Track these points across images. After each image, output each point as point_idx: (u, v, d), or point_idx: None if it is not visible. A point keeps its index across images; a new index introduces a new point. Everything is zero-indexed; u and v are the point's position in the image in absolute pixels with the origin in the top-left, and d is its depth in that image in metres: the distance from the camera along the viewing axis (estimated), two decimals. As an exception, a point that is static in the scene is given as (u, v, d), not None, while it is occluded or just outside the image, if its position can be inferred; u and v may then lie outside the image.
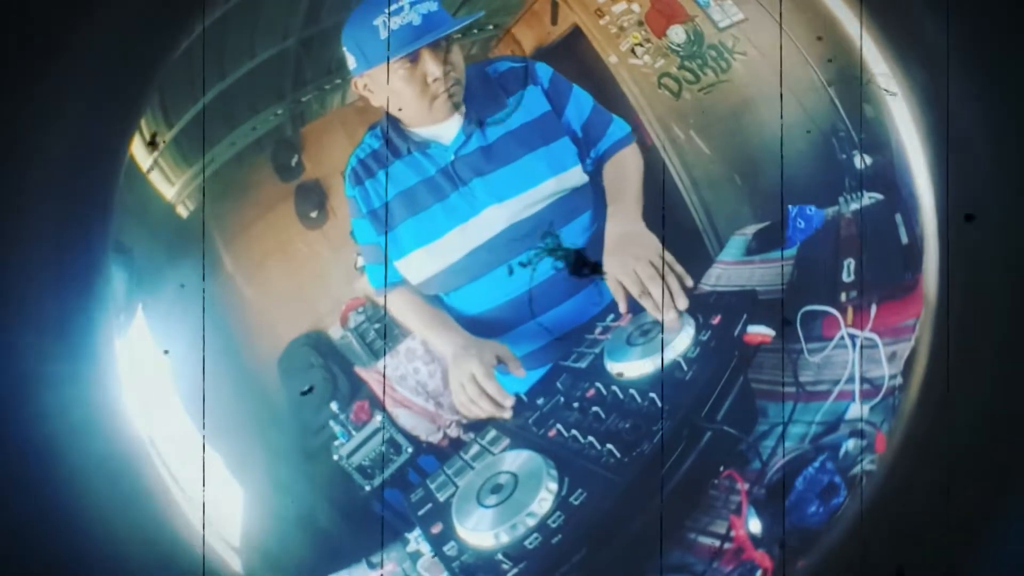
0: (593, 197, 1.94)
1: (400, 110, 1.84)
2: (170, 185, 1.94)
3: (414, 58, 1.75)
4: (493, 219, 1.85)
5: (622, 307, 1.74)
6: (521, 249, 1.87)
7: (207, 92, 1.95)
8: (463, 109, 1.84)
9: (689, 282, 1.72)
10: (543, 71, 1.91)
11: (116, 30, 1.68)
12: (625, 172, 1.91)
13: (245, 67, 2.00)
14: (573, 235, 1.90)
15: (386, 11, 1.73)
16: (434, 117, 1.83)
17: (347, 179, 1.91)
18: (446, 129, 1.85)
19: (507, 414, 1.76)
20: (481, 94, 1.86)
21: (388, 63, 1.76)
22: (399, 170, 1.87)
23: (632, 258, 1.71)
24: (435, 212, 1.86)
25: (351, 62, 1.80)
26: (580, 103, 1.92)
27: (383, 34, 1.73)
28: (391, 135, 1.87)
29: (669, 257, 1.72)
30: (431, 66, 1.76)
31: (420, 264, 1.88)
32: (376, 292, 1.98)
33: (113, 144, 1.79)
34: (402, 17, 1.73)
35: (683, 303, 1.69)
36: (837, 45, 1.95)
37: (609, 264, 1.74)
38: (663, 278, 1.69)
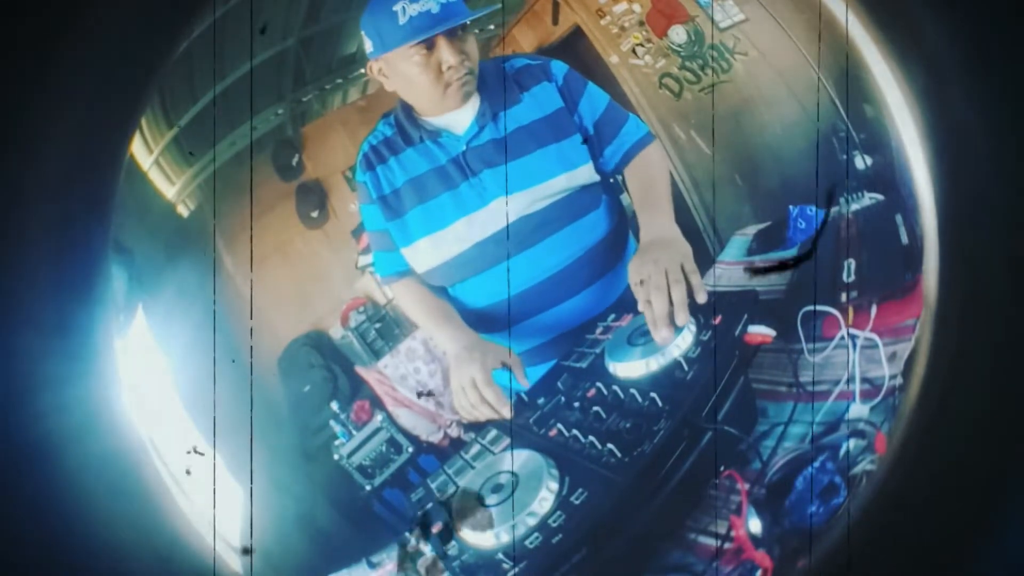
0: (606, 197, 1.94)
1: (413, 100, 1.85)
2: (170, 185, 1.94)
3: (430, 45, 1.76)
4: (501, 211, 1.85)
5: (641, 306, 1.66)
6: (528, 243, 1.87)
7: (206, 93, 1.95)
8: (477, 100, 1.85)
9: (702, 298, 1.63)
10: (558, 68, 1.91)
11: (116, 30, 1.68)
12: (650, 175, 1.90)
13: (245, 67, 2.00)
14: (581, 233, 1.90)
15: None
16: (446, 105, 1.83)
17: (359, 165, 1.91)
18: (459, 118, 1.85)
19: (506, 417, 1.75)
20: (496, 87, 1.87)
21: (403, 46, 1.75)
22: (410, 157, 1.88)
23: (652, 262, 1.65)
24: (444, 201, 1.86)
25: (368, 46, 1.81)
26: (594, 101, 1.91)
27: (402, 19, 1.73)
28: (404, 122, 1.87)
29: (690, 267, 1.64)
30: (447, 54, 1.76)
31: (426, 253, 1.89)
32: (382, 280, 1.98)
33: (113, 144, 1.79)
34: (421, 4, 1.73)
35: (683, 318, 1.61)
36: (837, 44, 1.96)
37: (632, 266, 1.70)
38: (670, 290, 1.62)
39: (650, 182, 1.88)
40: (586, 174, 1.88)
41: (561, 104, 1.89)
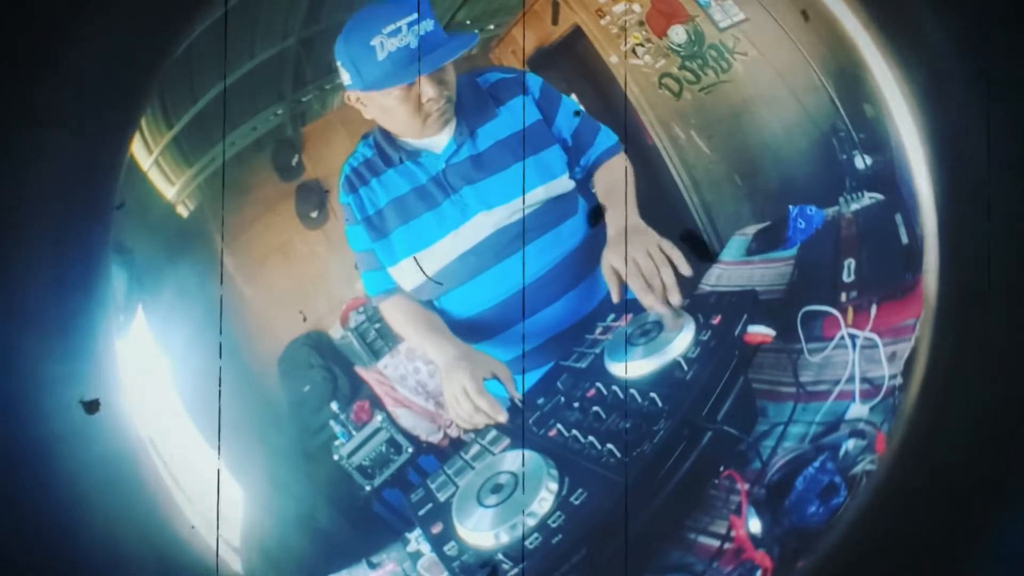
0: (584, 203, 1.95)
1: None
2: (170, 185, 1.94)
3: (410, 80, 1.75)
4: (481, 225, 1.86)
5: (615, 297, 1.72)
6: (507, 253, 1.88)
7: (206, 93, 1.95)
8: (454, 119, 1.85)
9: (686, 270, 1.68)
10: (533, 81, 1.92)
11: (116, 30, 1.68)
12: (616, 177, 1.91)
13: (245, 67, 2.00)
14: (560, 240, 1.91)
15: (383, 32, 1.70)
16: (425, 132, 1.84)
17: (341, 187, 1.91)
18: (437, 138, 1.86)
19: (502, 420, 1.75)
20: (471, 104, 1.87)
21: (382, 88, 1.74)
22: (391, 178, 1.88)
23: (631, 246, 1.70)
24: (427, 220, 1.87)
25: (345, 77, 1.79)
26: (570, 112, 1.92)
27: (380, 55, 1.70)
28: (383, 144, 1.87)
29: (667, 245, 1.69)
30: (426, 87, 1.75)
31: (412, 271, 1.89)
32: (372, 299, 1.98)
33: (113, 144, 1.79)
34: (399, 39, 1.70)
35: (676, 298, 1.67)
36: (837, 44, 1.96)
37: (607, 255, 1.73)
38: (659, 272, 1.67)
39: (616, 183, 1.89)
40: (563, 184, 1.90)
41: (539, 117, 1.89)
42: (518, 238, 1.87)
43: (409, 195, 1.87)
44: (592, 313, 1.93)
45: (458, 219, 1.86)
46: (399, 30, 1.70)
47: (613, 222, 1.81)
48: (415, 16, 1.71)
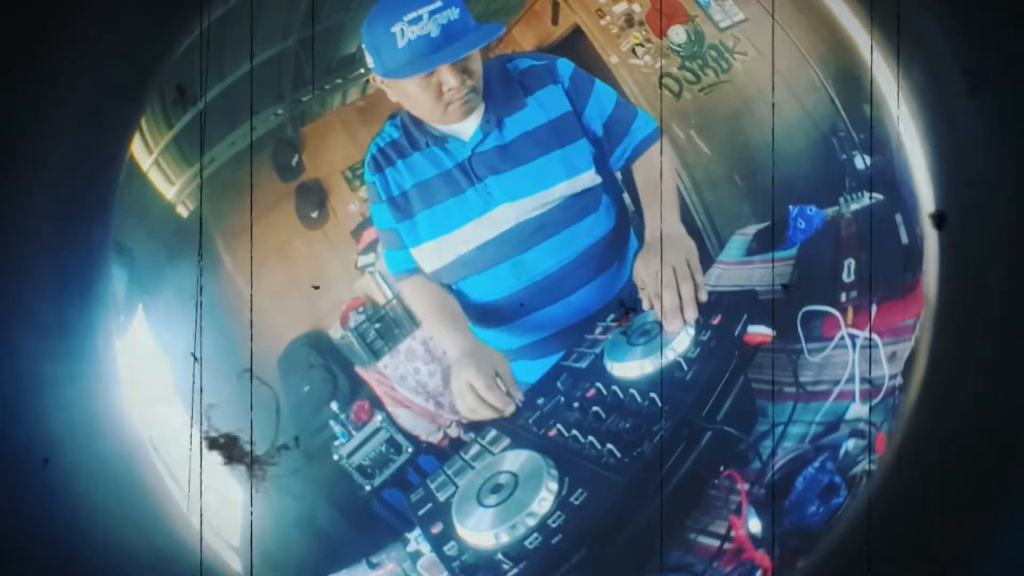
0: (606, 198, 1.94)
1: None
2: (170, 185, 1.94)
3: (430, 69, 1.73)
4: (504, 216, 1.86)
5: (645, 304, 1.71)
6: (528, 245, 1.87)
7: (207, 92, 1.95)
8: (482, 106, 1.84)
9: (703, 296, 1.68)
10: (564, 68, 1.89)
11: (116, 29, 1.68)
12: (656, 172, 1.89)
13: (245, 67, 2.00)
14: (579, 235, 1.91)
15: (404, 19, 1.67)
16: (447, 120, 1.82)
17: (367, 166, 1.90)
18: (464, 125, 1.85)
19: (507, 414, 1.75)
20: (500, 92, 1.85)
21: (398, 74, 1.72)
22: (417, 161, 1.87)
23: (658, 260, 1.69)
24: (450, 206, 1.86)
25: (369, 60, 1.78)
26: (602, 100, 1.90)
27: (400, 43, 1.68)
28: (410, 126, 1.87)
29: (695, 264, 1.69)
30: (447, 76, 1.72)
31: (432, 255, 1.90)
32: (393, 278, 1.99)
33: (113, 144, 1.79)
34: (420, 27, 1.67)
35: (692, 314, 1.66)
36: (837, 44, 1.96)
37: (638, 264, 1.73)
38: (678, 286, 1.67)
39: (656, 179, 1.88)
40: (587, 179, 1.89)
41: (568, 108, 1.87)
42: (538, 231, 1.87)
43: (434, 180, 1.87)
44: (605, 308, 1.93)
45: (481, 208, 1.86)
46: (420, 18, 1.67)
47: (651, 225, 1.80)
48: (438, 4, 1.68)
